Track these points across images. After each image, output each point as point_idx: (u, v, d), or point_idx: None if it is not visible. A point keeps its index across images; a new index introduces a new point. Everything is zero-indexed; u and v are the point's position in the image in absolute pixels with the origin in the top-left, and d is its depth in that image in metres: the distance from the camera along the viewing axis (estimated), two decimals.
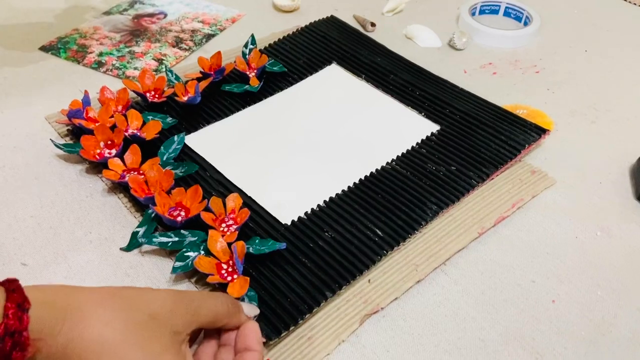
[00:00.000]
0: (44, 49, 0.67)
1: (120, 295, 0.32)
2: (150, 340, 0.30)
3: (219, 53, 0.61)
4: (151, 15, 0.74)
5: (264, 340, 0.39)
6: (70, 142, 0.55)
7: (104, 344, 0.28)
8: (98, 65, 0.64)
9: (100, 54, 0.66)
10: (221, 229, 0.46)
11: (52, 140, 0.53)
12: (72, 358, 0.27)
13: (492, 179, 0.53)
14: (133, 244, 0.46)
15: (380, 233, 0.46)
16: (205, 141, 0.55)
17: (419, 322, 0.42)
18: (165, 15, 0.74)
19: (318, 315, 0.42)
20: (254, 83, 0.61)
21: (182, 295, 0.34)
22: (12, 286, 0.26)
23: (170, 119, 0.57)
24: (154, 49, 0.67)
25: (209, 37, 0.70)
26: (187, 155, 0.53)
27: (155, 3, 0.77)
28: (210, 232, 0.44)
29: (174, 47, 0.68)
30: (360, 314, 0.42)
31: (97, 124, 0.53)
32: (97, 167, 0.52)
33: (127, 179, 0.48)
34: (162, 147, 0.53)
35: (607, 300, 0.44)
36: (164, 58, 0.66)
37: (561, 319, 0.43)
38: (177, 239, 0.45)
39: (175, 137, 0.54)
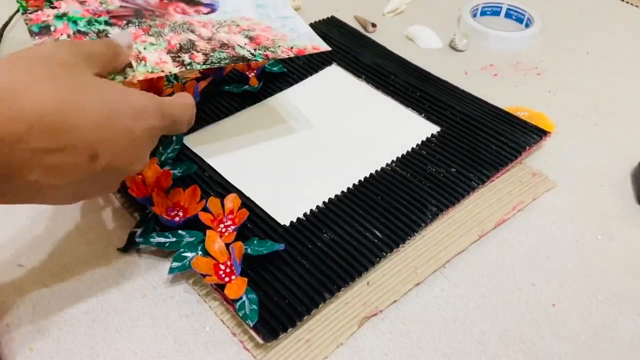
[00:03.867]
0: None
1: (42, 59, 0.29)
2: (57, 77, 0.27)
3: None
4: (191, 2, 0.50)
5: (262, 342, 0.39)
6: None
7: (13, 85, 0.25)
8: (40, 29, 0.40)
9: (61, 16, 0.41)
10: (219, 229, 0.45)
11: None
12: (17, 133, 0.24)
13: (493, 181, 0.52)
14: (130, 244, 0.46)
15: (379, 235, 0.46)
16: (204, 141, 0.55)
17: (418, 325, 0.42)
18: (212, 11, 0.50)
19: (316, 318, 0.42)
20: (254, 83, 0.60)
21: (70, 44, 0.32)
22: None
23: None
24: (136, 44, 0.42)
25: (237, 60, 0.44)
26: (186, 155, 0.53)
27: None
28: (208, 232, 0.44)
29: (172, 51, 0.43)
30: (358, 316, 0.42)
31: None
32: None
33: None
34: (160, 147, 0.52)
35: (608, 305, 0.44)
36: (137, 62, 0.41)
37: (561, 323, 0.42)
38: (174, 239, 0.45)
39: (174, 137, 0.54)
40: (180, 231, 0.45)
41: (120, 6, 0.45)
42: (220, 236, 0.44)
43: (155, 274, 0.45)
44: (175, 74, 0.61)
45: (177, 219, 0.46)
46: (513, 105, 0.61)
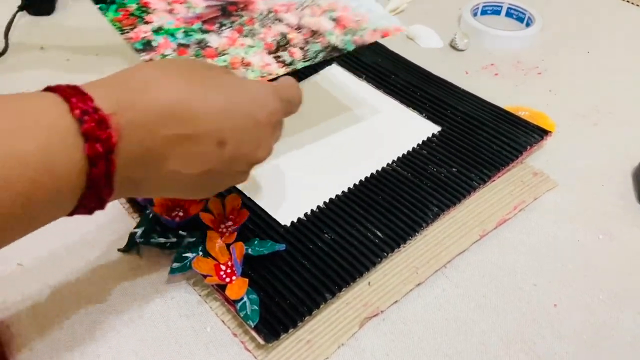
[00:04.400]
0: None
1: (176, 62, 0.31)
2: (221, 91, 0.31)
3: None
4: None
5: (263, 343, 0.39)
6: None
7: (176, 97, 0.28)
8: (144, 46, 0.42)
9: (158, 30, 0.43)
10: (220, 229, 0.45)
11: None
12: (151, 120, 0.27)
13: (494, 180, 0.52)
14: (131, 244, 0.46)
15: (380, 235, 0.46)
16: None
17: (419, 325, 0.42)
18: None
19: (317, 319, 0.41)
20: None
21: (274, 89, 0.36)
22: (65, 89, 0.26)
23: None
24: (237, 50, 0.43)
25: (331, 50, 0.44)
26: None
27: None
28: (209, 233, 0.44)
29: (270, 52, 0.43)
30: (360, 317, 0.42)
31: None
32: None
33: None
34: None
35: (609, 304, 0.44)
36: (245, 68, 0.42)
37: (563, 323, 0.42)
38: (175, 239, 0.45)
39: None
40: (180, 231, 0.45)
41: (206, 6, 0.46)
42: (221, 236, 0.44)
43: (156, 275, 0.44)
44: None
45: (177, 219, 0.45)
46: (514, 104, 0.61)
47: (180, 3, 0.45)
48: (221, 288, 0.41)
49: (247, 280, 0.41)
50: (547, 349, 0.41)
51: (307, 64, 0.42)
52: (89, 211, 0.27)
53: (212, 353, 0.40)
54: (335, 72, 0.65)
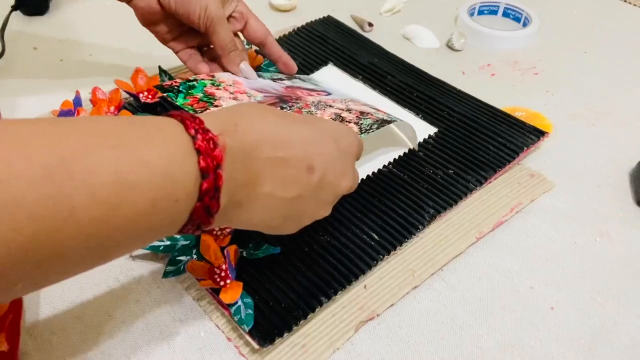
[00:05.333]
0: (161, 88, 0.51)
1: (266, 105, 0.36)
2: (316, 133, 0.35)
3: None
4: (311, 90, 0.56)
5: (257, 347, 0.38)
6: None
7: (275, 129, 0.33)
8: None
9: None
10: (214, 232, 0.45)
11: None
12: (250, 143, 0.31)
13: (490, 182, 0.52)
14: None
15: (376, 237, 0.46)
16: None
17: (416, 329, 0.41)
18: (329, 94, 0.56)
19: (312, 322, 0.41)
20: None
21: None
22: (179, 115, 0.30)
23: None
24: None
25: (382, 122, 0.49)
26: None
27: (319, 84, 0.59)
28: (203, 236, 0.43)
29: None
30: (355, 320, 0.41)
31: None
32: None
33: None
34: None
35: (607, 307, 0.43)
36: None
37: (560, 326, 0.42)
38: (168, 242, 0.44)
39: None
40: (174, 234, 0.45)
41: (264, 96, 0.51)
42: (215, 239, 0.44)
43: (149, 279, 0.44)
44: (170, 75, 0.60)
45: None
46: (511, 105, 0.60)
47: (241, 93, 0.51)
48: (215, 292, 0.41)
49: (241, 283, 0.41)
50: (545, 352, 0.40)
51: (365, 134, 0.47)
52: (196, 227, 0.30)
53: (206, 358, 0.39)
54: (331, 72, 0.64)
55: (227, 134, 0.29)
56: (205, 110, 0.47)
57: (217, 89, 0.51)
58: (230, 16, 0.54)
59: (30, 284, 0.24)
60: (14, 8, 0.72)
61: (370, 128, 0.48)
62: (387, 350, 0.40)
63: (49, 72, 0.64)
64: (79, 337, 0.40)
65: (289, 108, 0.49)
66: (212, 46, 0.54)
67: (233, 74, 0.54)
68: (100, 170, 0.24)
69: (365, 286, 0.43)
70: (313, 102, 0.52)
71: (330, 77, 0.63)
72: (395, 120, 0.51)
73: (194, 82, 0.52)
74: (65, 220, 0.23)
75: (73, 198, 0.23)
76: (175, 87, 0.51)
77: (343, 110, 0.51)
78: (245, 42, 0.58)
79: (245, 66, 0.54)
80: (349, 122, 0.49)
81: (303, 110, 0.50)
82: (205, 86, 0.51)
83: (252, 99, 0.50)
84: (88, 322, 0.41)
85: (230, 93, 0.51)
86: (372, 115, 0.51)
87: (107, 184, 0.24)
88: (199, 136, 0.28)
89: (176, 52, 0.56)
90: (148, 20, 0.53)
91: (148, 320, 0.41)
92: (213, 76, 0.53)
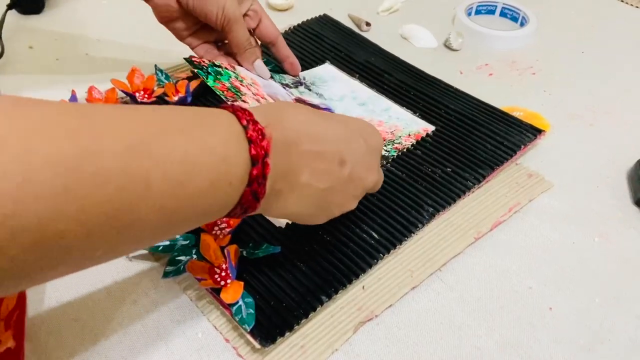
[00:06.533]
0: (191, 62, 0.55)
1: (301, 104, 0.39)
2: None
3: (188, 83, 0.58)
4: (315, 107, 0.58)
5: (259, 347, 0.38)
6: None
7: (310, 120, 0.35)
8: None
9: None
10: (214, 232, 0.44)
11: None
12: (291, 137, 0.33)
13: (488, 180, 0.52)
14: None
15: (376, 236, 0.46)
16: None
17: (414, 330, 0.41)
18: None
19: (311, 323, 0.41)
20: None
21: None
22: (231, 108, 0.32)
23: None
24: None
25: (381, 159, 0.52)
26: None
27: (324, 94, 0.60)
28: (203, 235, 0.43)
29: None
30: (354, 321, 0.41)
31: None
32: None
33: None
34: None
35: (606, 308, 0.43)
36: None
37: (558, 326, 0.42)
38: (168, 242, 0.44)
39: None
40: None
41: None
42: (215, 239, 0.43)
43: (147, 279, 0.44)
44: (166, 74, 0.60)
45: None
46: (508, 105, 0.60)
47: (262, 97, 0.54)
48: (216, 292, 0.41)
49: (242, 283, 0.41)
50: (543, 353, 0.40)
51: None
52: (243, 211, 0.32)
53: (203, 359, 0.39)
54: (328, 71, 0.64)
55: (272, 126, 0.32)
56: (234, 100, 0.50)
57: (241, 84, 0.54)
58: (245, 14, 0.56)
59: (108, 251, 0.27)
60: (10, 7, 0.71)
61: None
62: (386, 351, 0.40)
63: (44, 71, 0.64)
64: (76, 338, 0.40)
65: None
66: (227, 42, 0.56)
67: (248, 70, 0.57)
68: (172, 152, 0.27)
69: (363, 287, 0.43)
70: None
71: (329, 74, 0.63)
72: (392, 155, 0.53)
73: (220, 69, 0.54)
74: (143, 193, 0.26)
75: (150, 174, 0.26)
76: (205, 67, 0.53)
77: None
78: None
79: (259, 64, 0.56)
80: None
81: None
82: (230, 77, 0.54)
83: None
84: (85, 324, 0.41)
85: (253, 94, 0.53)
86: None
87: (177, 163, 0.27)
88: (250, 126, 0.31)
89: (193, 48, 0.57)
90: (166, 18, 0.54)
91: (145, 321, 0.41)
92: (235, 68, 0.55)
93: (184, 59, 0.56)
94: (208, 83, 0.51)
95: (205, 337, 0.40)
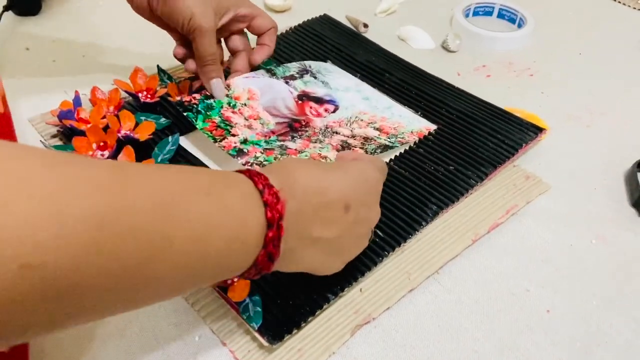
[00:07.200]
0: (180, 105, 0.54)
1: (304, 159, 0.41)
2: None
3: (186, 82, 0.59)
4: (319, 101, 0.58)
5: (267, 344, 0.38)
6: (60, 143, 0.54)
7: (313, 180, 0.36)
8: (237, 152, 0.50)
9: (244, 142, 0.52)
10: None
11: (42, 141, 0.52)
12: (300, 194, 0.34)
13: (490, 178, 0.52)
14: None
15: (380, 234, 0.46)
16: (200, 142, 0.54)
17: (412, 333, 0.41)
18: (336, 108, 0.58)
19: (309, 326, 0.41)
20: None
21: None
22: (249, 173, 0.34)
23: (164, 119, 0.55)
24: (313, 149, 0.53)
25: (384, 148, 0.53)
26: (182, 156, 0.52)
27: (330, 83, 0.60)
28: None
29: (338, 150, 0.53)
30: (351, 324, 0.41)
31: (89, 125, 0.51)
32: None
33: None
34: (156, 148, 0.52)
35: (603, 310, 0.43)
36: (323, 160, 0.52)
37: (556, 329, 0.42)
38: None
39: (170, 138, 0.53)
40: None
41: (276, 123, 0.55)
42: None
43: None
44: (169, 74, 0.60)
45: None
46: (506, 106, 0.60)
47: (255, 119, 0.54)
48: (223, 290, 0.41)
49: (249, 282, 0.41)
50: (541, 355, 0.40)
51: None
52: (257, 272, 0.33)
53: None
54: (330, 69, 0.64)
55: (285, 189, 0.33)
56: (223, 138, 0.51)
57: (233, 112, 0.54)
58: (231, 20, 0.55)
59: (125, 305, 0.27)
60: (6, 8, 0.71)
61: (375, 152, 0.53)
62: (383, 354, 0.40)
63: (41, 72, 0.64)
64: (72, 342, 0.40)
65: (299, 137, 0.54)
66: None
67: (203, 86, 0.56)
68: (195, 212, 0.28)
69: (361, 289, 0.43)
70: (320, 129, 0.55)
71: (333, 68, 0.63)
72: (396, 146, 0.54)
73: (212, 102, 0.54)
74: (164, 250, 0.26)
75: (173, 232, 0.27)
76: (195, 106, 0.54)
77: (349, 137, 0.55)
78: (247, 34, 0.58)
79: (216, 83, 0.54)
80: (355, 147, 0.53)
81: (312, 138, 0.54)
82: (222, 106, 0.54)
83: (265, 127, 0.54)
84: (81, 327, 0.41)
85: (245, 119, 0.54)
86: (375, 140, 0.55)
87: (199, 223, 0.28)
88: (266, 190, 0.32)
89: (181, 60, 0.56)
90: (141, 14, 0.54)
91: (142, 325, 0.41)
92: (229, 85, 0.55)
93: (176, 103, 0.55)
94: (197, 126, 0.52)
95: (202, 340, 0.40)
